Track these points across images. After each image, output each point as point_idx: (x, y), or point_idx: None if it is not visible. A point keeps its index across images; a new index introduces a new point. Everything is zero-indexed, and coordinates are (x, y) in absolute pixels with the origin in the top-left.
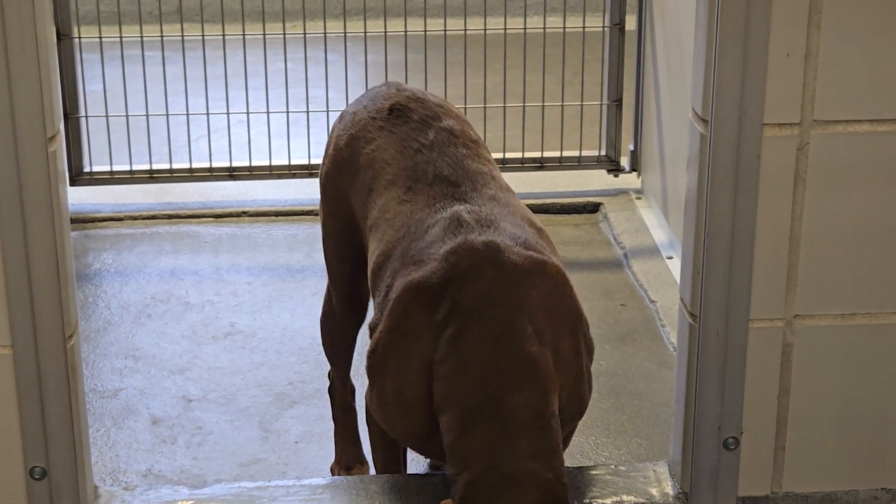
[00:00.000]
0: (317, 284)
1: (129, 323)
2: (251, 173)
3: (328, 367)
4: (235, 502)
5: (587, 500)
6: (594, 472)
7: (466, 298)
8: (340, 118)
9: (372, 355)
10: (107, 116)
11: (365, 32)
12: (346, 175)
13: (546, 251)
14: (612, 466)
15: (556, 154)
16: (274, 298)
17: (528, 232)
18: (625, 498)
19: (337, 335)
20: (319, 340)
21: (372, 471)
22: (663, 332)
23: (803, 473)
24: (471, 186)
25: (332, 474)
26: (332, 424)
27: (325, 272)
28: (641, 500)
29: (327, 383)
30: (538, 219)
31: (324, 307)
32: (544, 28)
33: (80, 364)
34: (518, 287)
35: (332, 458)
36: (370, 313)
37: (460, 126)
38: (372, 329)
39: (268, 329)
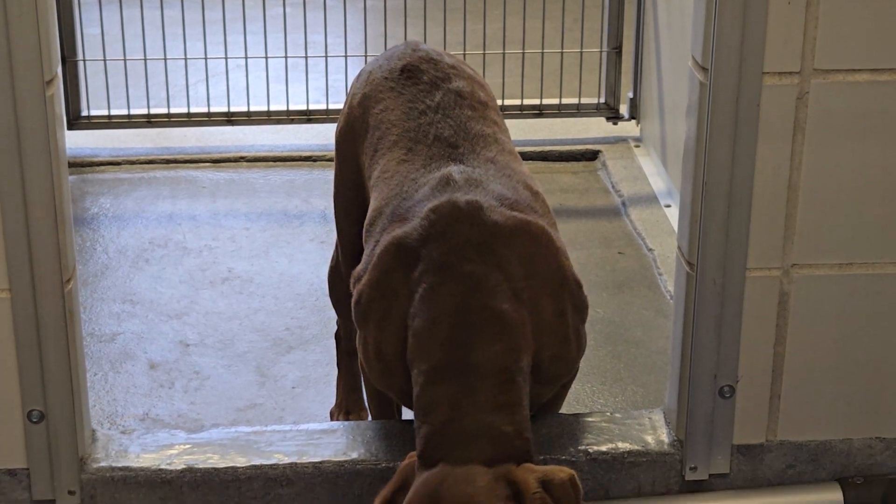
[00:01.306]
0: (315, 231)
1: (126, 267)
2: (249, 118)
3: (325, 313)
4: (232, 447)
5: (582, 448)
6: (590, 419)
7: (442, 255)
8: (358, 76)
9: (356, 307)
10: (104, 60)
11: None
12: (356, 134)
13: (536, 213)
14: (608, 414)
15: (555, 101)
16: (272, 244)
17: (521, 194)
18: (620, 445)
19: (342, 290)
20: (317, 286)
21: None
22: (660, 280)
23: (798, 422)
24: (469, 148)
25: (332, 418)
26: (329, 370)
27: (323, 218)
28: (637, 448)
29: (324, 329)
30: (538, 183)
31: (332, 261)
32: None
33: (78, 308)
34: (496, 245)
35: (328, 403)
36: None
37: (470, 88)
38: (356, 279)
39: (265, 274)
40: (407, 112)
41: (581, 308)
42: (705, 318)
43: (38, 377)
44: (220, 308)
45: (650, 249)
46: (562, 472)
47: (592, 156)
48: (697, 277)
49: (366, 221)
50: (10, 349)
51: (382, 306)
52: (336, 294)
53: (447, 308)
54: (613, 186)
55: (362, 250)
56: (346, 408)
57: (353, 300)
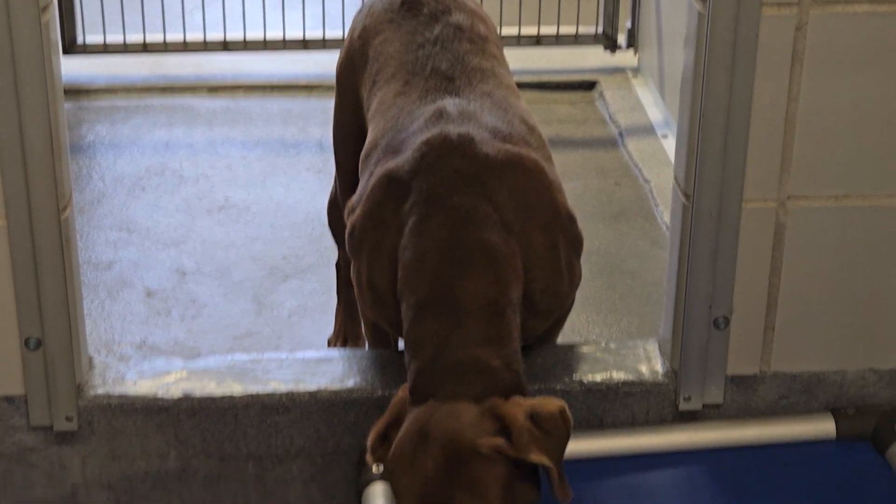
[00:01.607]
0: (311, 160)
1: (123, 195)
2: (245, 46)
3: (322, 242)
4: (229, 374)
5: (577, 377)
6: (584, 349)
7: (432, 187)
8: (360, 9)
9: (349, 238)
10: None
11: None
12: (356, 66)
13: (530, 147)
14: (603, 344)
15: (553, 30)
16: (268, 173)
17: (516, 128)
18: (614, 375)
19: (340, 222)
20: (314, 215)
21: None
22: (656, 211)
23: (792, 353)
24: (466, 81)
25: (329, 346)
26: (326, 299)
27: (320, 147)
28: (631, 378)
29: (321, 258)
30: (535, 118)
31: (331, 194)
32: None
33: (75, 236)
34: (487, 177)
35: (325, 331)
36: None
37: (469, 21)
38: (350, 211)
39: (262, 203)
40: (406, 44)
41: (574, 242)
42: (701, 250)
43: (35, 305)
44: (216, 236)
45: (646, 180)
46: (551, 404)
47: (590, 86)
48: (693, 208)
49: (362, 153)
50: (6, 277)
51: (374, 238)
52: (335, 225)
53: (435, 241)
54: (610, 117)
55: (358, 182)
56: (343, 336)
57: (346, 231)
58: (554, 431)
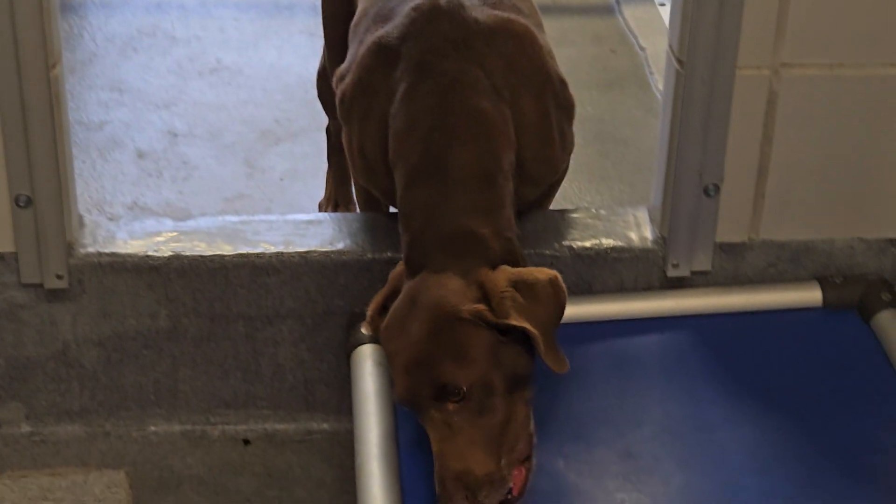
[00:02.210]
0: (304, 22)
1: (114, 55)
2: None
3: (314, 106)
4: (220, 235)
5: (567, 243)
6: (574, 215)
7: (421, 53)
8: None
9: (340, 106)
10: None
11: None
12: None
13: (521, 13)
14: (593, 210)
15: None
16: (261, 35)
17: None
18: (604, 241)
19: (329, 92)
20: (306, 79)
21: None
22: (651, 79)
23: (781, 221)
24: None
25: (320, 210)
26: (317, 163)
27: (314, 10)
28: (620, 244)
29: (313, 122)
30: None
31: (319, 65)
32: None
33: (65, 94)
34: (475, 42)
35: (316, 195)
36: None
37: None
38: (339, 78)
39: (254, 66)
40: None
41: (566, 107)
42: (693, 117)
43: (25, 162)
44: (208, 98)
45: (642, 48)
46: (542, 272)
47: None
48: (686, 75)
49: (352, 23)
50: None
51: (364, 105)
52: (323, 96)
53: (425, 107)
54: None
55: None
56: (334, 200)
57: (337, 99)
58: (543, 299)
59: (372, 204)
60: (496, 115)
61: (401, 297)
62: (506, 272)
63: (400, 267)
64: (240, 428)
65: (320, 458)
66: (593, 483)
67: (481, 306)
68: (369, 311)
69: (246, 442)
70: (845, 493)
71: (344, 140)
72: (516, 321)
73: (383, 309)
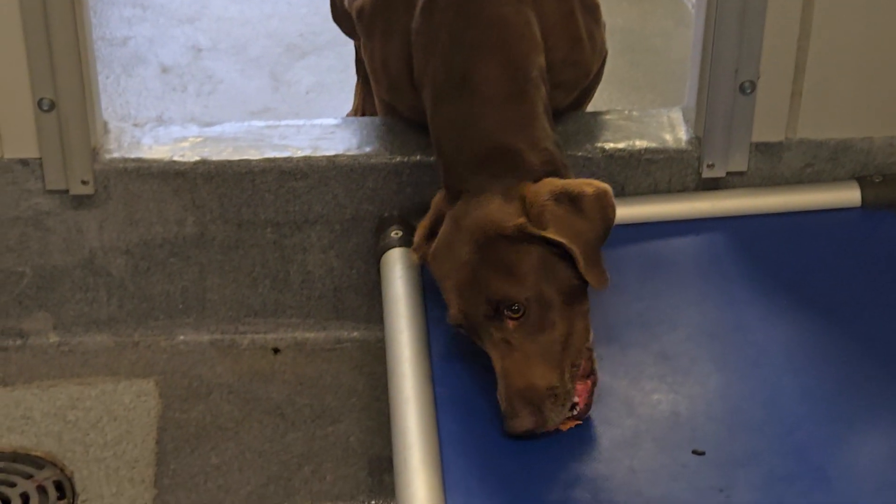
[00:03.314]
0: None
1: None
2: None
3: None
4: (246, 139)
5: (599, 144)
6: (606, 116)
7: None
8: None
9: (359, 21)
10: None
11: None
12: None
13: None
14: (626, 112)
15: None
16: None
17: None
18: (637, 143)
19: (343, 15)
20: None
21: None
22: None
23: (819, 119)
24: None
25: None
26: (343, 76)
27: None
28: (654, 145)
29: (338, 36)
30: None
31: None
32: None
33: None
34: None
35: (342, 108)
36: None
37: None
38: None
39: None
40: None
41: (591, 7)
42: (728, 11)
43: (47, 64)
44: (231, 13)
45: None
46: (590, 185)
47: None
48: None
49: None
50: (17, 35)
51: (385, 18)
52: (338, 18)
53: (444, 20)
54: None
55: None
56: (362, 111)
57: (354, 13)
58: (588, 212)
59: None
60: (518, 20)
61: (445, 222)
62: (549, 185)
63: (441, 192)
64: (269, 336)
65: (350, 367)
66: (629, 384)
67: (522, 219)
68: (416, 239)
69: (276, 350)
70: (884, 392)
71: (365, 56)
72: (553, 235)
73: (430, 235)
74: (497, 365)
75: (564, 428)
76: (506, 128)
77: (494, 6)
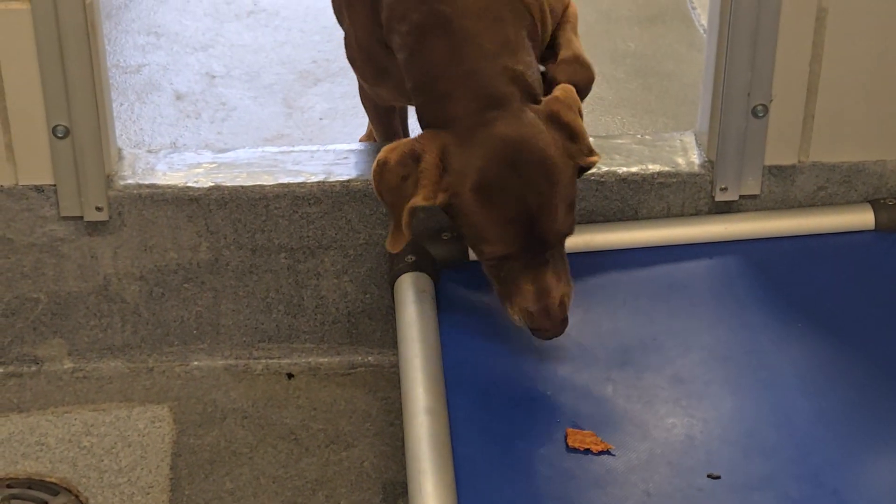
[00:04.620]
0: None
1: (150, 0)
2: None
3: None
4: (260, 165)
5: (612, 168)
6: (619, 140)
7: None
8: None
9: (336, 14)
10: None
11: None
12: None
13: None
14: (638, 136)
15: None
16: None
17: None
18: (650, 167)
19: None
20: None
21: None
22: (694, 14)
23: (831, 143)
24: None
25: None
26: (355, 102)
27: None
28: (667, 169)
29: None
30: None
31: None
32: None
33: (100, 22)
34: None
35: (355, 134)
36: None
37: None
38: None
39: (291, 7)
40: None
41: None
42: (740, 34)
43: (62, 91)
44: (245, 41)
45: None
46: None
47: None
48: None
49: None
50: (32, 63)
51: (348, 4)
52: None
53: None
54: None
55: None
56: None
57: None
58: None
59: (381, 113)
60: None
61: (482, 153)
62: (575, 97)
63: (430, 132)
64: (283, 362)
65: (364, 391)
66: (643, 408)
67: (595, 157)
68: (428, 180)
69: (290, 376)
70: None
71: (345, 46)
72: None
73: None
74: (526, 285)
75: (596, 450)
76: (503, 52)
77: None
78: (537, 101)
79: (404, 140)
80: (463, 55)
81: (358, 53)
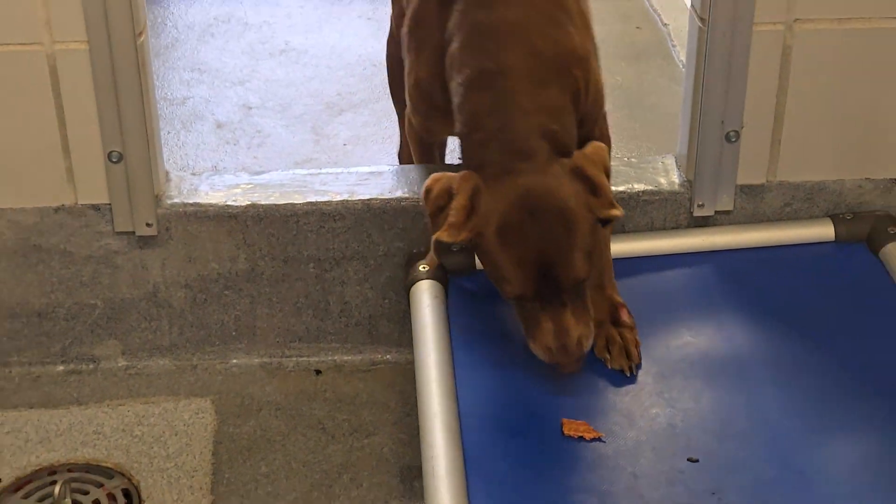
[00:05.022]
0: (363, 8)
1: (194, 41)
2: None
3: (372, 80)
4: (291, 185)
5: None
6: None
7: None
8: None
9: (403, 40)
10: None
11: None
12: None
13: None
14: (625, 159)
15: None
16: (324, 20)
17: None
18: (635, 186)
19: (394, 59)
20: (364, 57)
21: None
22: (674, 51)
23: (796, 164)
24: None
25: (400, 160)
26: (376, 130)
27: None
28: (650, 188)
29: (372, 94)
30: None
31: (389, 33)
32: None
33: (150, 59)
34: None
35: (376, 158)
36: None
37: None
38: (399, 21)
39: (318, 47)
40: None
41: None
42: (715, 70)
43: (116, 121)
44: (278, 76)
45: (665, 24)
46: (596, 150)
47: None
48: (708, 32)
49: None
50: (89, 95)
51: (419, 36)
52: (390, 62)
53: (477, 21)
54: None
55: None
56: (405, 159)
57: (402, 36)
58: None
59: (424, 148)
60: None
61: (506, 199)
62: (602, 155)
63: (466, 173)
64: (312, 360)
65: (384, 385)
66: (630, 400)
67: (617, 211)
68: (455, 218)
69: (318, 372)
70: (857, 402)
71: (406, 77)
72: (618, 211)
73: (471, 212)
74: (546, 323)
75: (588, 437)
76: (539, 111)
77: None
78: (569, 157)
79: (448, 175)
80: (501, 111)
81: (415, 91)
